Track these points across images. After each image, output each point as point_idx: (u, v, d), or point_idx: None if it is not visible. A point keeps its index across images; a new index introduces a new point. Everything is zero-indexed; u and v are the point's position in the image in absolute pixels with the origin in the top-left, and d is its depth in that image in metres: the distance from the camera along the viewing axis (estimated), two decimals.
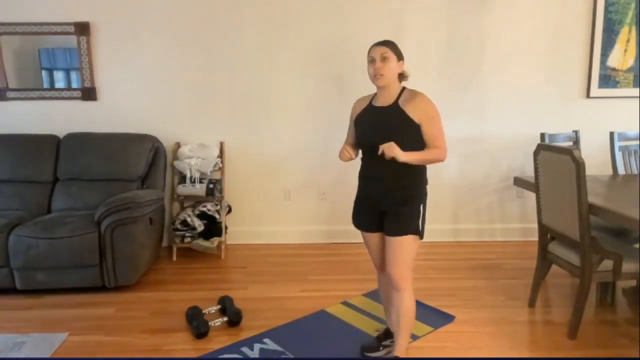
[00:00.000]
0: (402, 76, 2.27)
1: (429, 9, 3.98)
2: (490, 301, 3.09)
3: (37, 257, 3.10)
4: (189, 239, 3.80)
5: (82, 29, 3.88)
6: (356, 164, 2.36)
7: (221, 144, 4.08)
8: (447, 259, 3.85)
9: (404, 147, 2.11)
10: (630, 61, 4.09)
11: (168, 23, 3.94)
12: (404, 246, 2.21)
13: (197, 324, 2.68)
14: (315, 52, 4.02)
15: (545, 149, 2.77)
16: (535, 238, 3.04)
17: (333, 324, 2.82)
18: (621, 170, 3.49)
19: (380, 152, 2.10)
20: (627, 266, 2.53)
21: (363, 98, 2.39)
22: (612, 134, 3.53)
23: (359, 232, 2.42)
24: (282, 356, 2.49)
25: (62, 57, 4.02)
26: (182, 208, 4.00)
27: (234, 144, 4.12)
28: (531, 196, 3.49)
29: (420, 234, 2.25)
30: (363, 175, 2.36)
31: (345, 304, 3.05)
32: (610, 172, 3.53)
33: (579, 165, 2.46)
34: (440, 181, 4.09)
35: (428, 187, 2.32)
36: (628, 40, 4.06)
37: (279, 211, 4.24)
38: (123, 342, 2.66)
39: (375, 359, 2.46)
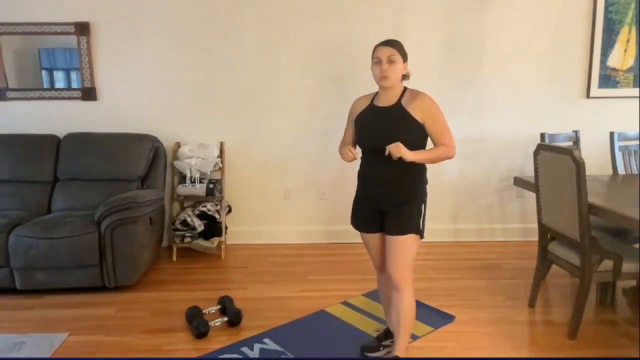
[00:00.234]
0: (404, 76, 2.26)
1: (429, 9, 3.98)
2: (490, 301, 3.09)
3: (37, 257, 3.10)
4: (189, 239, 3.80)
5: (82, 29, 3.88)
6: (356, 163, 2.36)
7: (221, 144, 4.08)
8: (447, 259, 3.85)
9: (409, 147, 2.11)
10: (630, 61, 4.09)
11: (168, 23, 3.94)
12: (404, 245, 2.21)
13: (197, 324, 2.68)
14: (315, 52, 4.02)
15: (545, 149, 2.77)
16: (535, 238, 3.04)
17: (333, 324, 2.82)
18: (621, 170, 3.49)
19: (387, 152, 2.09)
20: (627, 266, 2.53)
21: (363, 97, 2.37)
22: (612, 134, 3.53)
23: (359, 232, 2.41)
24: (282, 356, 2.49)
25: (62, 57, 4.02)
26: (182, 208, 4.00)
27: (234, 144, 4.12)
28: (531, 196, 3.49)
29: (420, 233, 2.25)
30: (363, 175, 2.35)
31: (345, 304, 3.05)
32: (610, 172, 3.53)
33: (579, 165, 2.46)
34: (441, 181, 4.09)
35: (428, 187, 2.32)
36: (628, 40, 4.06)
37: (279, 211, 4.24)
38: (123, 342, 2.66)
39: (375, 359, 2.46)
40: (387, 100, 2.25)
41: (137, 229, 3.26)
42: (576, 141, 3.74)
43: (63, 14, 3.86)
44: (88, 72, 3.94)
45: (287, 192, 4.22)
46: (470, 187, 4.26)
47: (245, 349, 2.55)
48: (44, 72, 4.03)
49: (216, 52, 3.99)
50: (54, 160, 3.76)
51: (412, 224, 2.22)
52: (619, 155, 3.51)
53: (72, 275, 3.18)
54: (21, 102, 3.98)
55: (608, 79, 4.10)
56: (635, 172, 3.52)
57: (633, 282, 3.12)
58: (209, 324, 2.71)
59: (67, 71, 4.03)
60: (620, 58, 4.08)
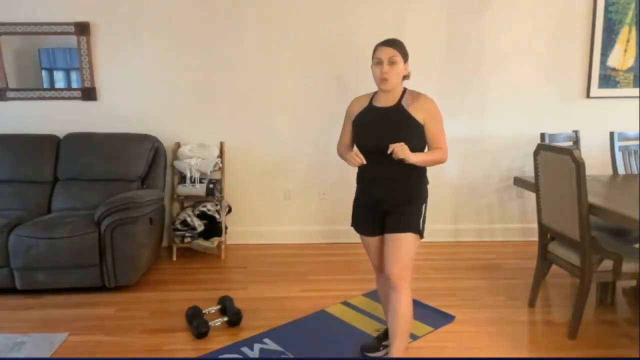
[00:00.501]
0: (405, 76, 2.24)
1: (429, 9, 3.98)
2: (490, 301, 3.09)
3: (37, 257, 3.10)
4: (189, 239, 3.80)
5: (82, 29, 3.88)
6: None
7: (221, 144, 4.08)
8: (447, 259, 3.85)
9: (410, 149, 2.09)
10: (630, 61, 4.09)
11: (168, 23, 3.94)
12: (403, 244, 2.19)
13: (197, 324, 2.68)
14: (315, 52, 4.02)
15: (545, 149, 2.77)
16: (535, 238, 3.04)
17: (333, 324, 2.82)
18: (621, 170, 3.49)
19: (390, 151, 2.06)
20: (627, 266, 2.53)
21: (361, 97, 2.34)
22: (612, 134, 3.53)
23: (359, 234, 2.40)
24: (282, 356, 2.49)
25: (62, 57, 4.02)
26: (182, 208, 4.00)
27: (234, 144, 4.12)
28: (531, 196, 3.49)
29: (420, 233, 2.24)
30: (363, 176, 2.32)
31: (345, 304, 3.05)
32: (610, 172, 3.53)
33: (579, 165, 2.46)
34: (441, 181, 4.09)
35: (428, 187, 2.31)
36: (628, 40, 4.06)
37: (279, 211, 4.24)
38: (123, 342, 2.66)
39: (375, 359, 2.46)
40: (386, 101, 2.22)
41: (137, 229, 3.26)
42: (576, 141, 3.74)
43: (63, 14, 3.86)
44: (88, 72, 3.94)
45: (287, 192, 4.22)
46: (470, 187, 4.26)
47: (245, 349, 2.55)
48: (44, 72, 4.03)
49: (216, 52, 4.00)
50: (54, 160, 3.76)
51: (412, 223, 2.21)
52: (619, 155, 3.51)
53: (72, 275, 3.18)
54: (21, 102, 3.98)
55: (608, 79, 4.10)
56: (635, 172, 3.52)
57: (633, 282, 3.13)
58: (209, 324, 2.71)
59: (67, 71, 4.03)
60: (620, 58, 4.08)
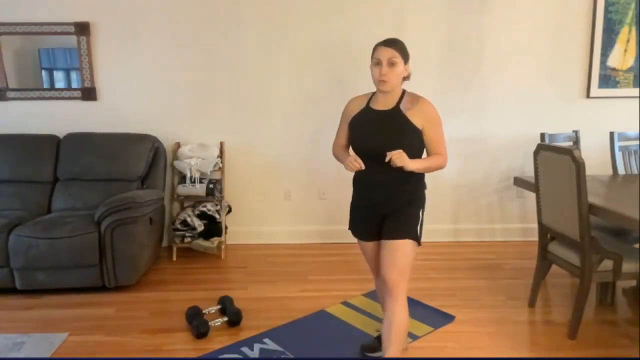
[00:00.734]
0: (405, 77, 2.17)
1: (429, 9, 3.98)
2: (490, 301, 3.09)
3: (37, 257, 3.10)
4: (189, 239, 3.80)
5: (82, 29, 3.88)
6: None
7: (221, 144, 4.08)
8: (447, 259, 3.85)
9: (407, 155, 2.02)
10: (630, 61, 4.09)
11: (168, 23, 3.94)
12: (401, 250, 2.12)
13: (197, 324, 2.68)
14: (315, 52, 4.02)
15: (545, 149, 2.77)
16: (535, 238, 3.04)
17: (333, 324, 2.82)
18: (621, 170, 3.49)
19: (388, 159, 1.99)
20: (627, 266, 2.53)
21: (358, 98, 2.27)
22: (612, 134, 3.53)
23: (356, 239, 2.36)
24: (282, 356, 2.49)
25: (62, 57, 4.02)
26: (182, 208, 4.00)
27: (234, 144, 4.12)
28: (531, 196, 3.49)
29: (417, 239, 2.17)
30: (359, 181, 2.26)
31: (345, 304, 3.05)
32: (610, 172, 3.53)
33: (579, 165, 2.46)
34: (440, 181, 4.08)
35: (427, 188, 2.28)
36: (628, 40, 4.06)
37: (279, 211, 4.24)
38: (123, 342, 2.66)
39: (375, 359, 2.46)
40: (384, 104, 2.15)
41: (137, 229, 3.26)
42: (576, 141, 3.74)
43: (63, 14, 3.86)
44: (88, 72, 3.94)
45: (287, 192, 4.22)
46: (470, 187, 4.26)
47: (245, 349, 2.55)
48: (44, 72, 4.03)
49: (216, 52, 3.99)
50: (54, 160, 3.76)
51: (409, 229, 2.14)
52: (619, 155, 3.51)
53: (72, 275, 3.18)
54: (21, 102, 3.98)
55: (608, 79, 4.10)
56: (635, 172, 3.52)
57: (633, 282, 3.13)
58: (209, 324, 2.71)
59: (67, 71, 4.03)
60: (620, 58, 4.08)
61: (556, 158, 2.64)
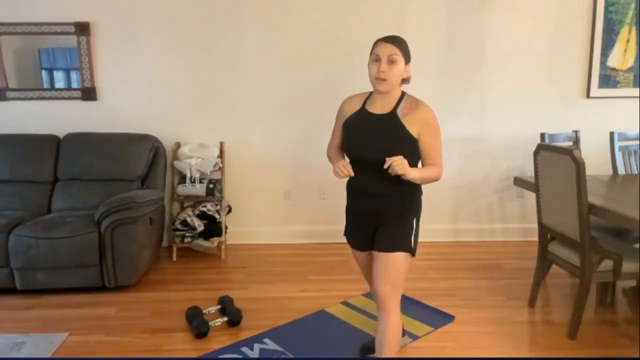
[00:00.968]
0: (404, 79, 2.03)
1: (429, 9, 3.98)
2: (490, 301, 3.09)
3: (37, 257, 3.10)
4: (189, 239, 3.80)
5: (82, 29, 3.88)
6: None
7: (221, 144, 4.08)
8: (447, 259, 3.85)
9: None
10: (630, 61, 4.09)
11: (168, 23, 3.94)
12: (394, 263, 2.01)
13: (197, 324, 2.68)
14: (315, 52, 4.02)
15: (545, 149, 2.77)
16: (535, 238, 3.04)
17: (333, 324, 2.82)
18: (621, 170, 3.49)
19: (387, 166, 1.86)
20: (627, 266, 2.53)
21: (354, 97, 2.13)
22: (612, 134, 3.53)
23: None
24: (282, 356, 2.49)
25: (62, 57, 4.02)
26: (182, 208, 4.00)
27: (234, 144, 4.12)
28: (531, 196, 3.49)
29: (412, 251, 2.06)
30: (352, 187, 2.15)
31: (345, 304, 3.05)
32: (610, 172, 3.53)
33: (579, 165, 2.46)
34: (440, 181, 4.01)
35: (426, 189, 2.17)
36: (628, 40, 4.06)
37: (279, 211, 4.24)
38: (123, 342, 2.66)
39: (375, 359, 2.45)
40: (381, 107, 2.01)
41: (137, 229, 3.26)
42: (576, 141, 3.74)
43: (63, 14, 3.86)
44: (88, 72, 3.94)
45: (287, 192, 4.22)
46: (470, 187, 4.26)
47: (245, 349, 2.55)
48: (44, 72, 4.03)
49: (216, 52, 3.99)
50: (54, 160, 3.76)
51: (403, 241, 2.03)
52: (619, 155, 3.51)
53: (72, 275, 3.18)
54: (21, 102, 3.98)
55: (608, 79, 4.10)
56: (635, 172, 3.52)
57: (633, 282, 3.13)
58: (209, 324, 2.71)
59: (67, 71, 4.03)
60: (620, 58, 4.08)
61: (556, 158, 2.64)
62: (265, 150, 4.15)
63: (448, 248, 4.09)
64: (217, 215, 3.83)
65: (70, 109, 4.01)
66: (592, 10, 4.01)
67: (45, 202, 3.66)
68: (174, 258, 3.85)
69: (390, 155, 1.88)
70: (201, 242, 3.76)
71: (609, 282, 2.90)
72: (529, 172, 3.53)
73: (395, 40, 1.97)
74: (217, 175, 3.98)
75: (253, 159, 4.16)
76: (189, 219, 3.79)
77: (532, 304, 3.01)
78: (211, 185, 3.88)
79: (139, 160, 3.76)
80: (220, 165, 4.00)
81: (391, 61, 1.94)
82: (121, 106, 4.03)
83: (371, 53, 1.99)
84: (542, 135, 3.55)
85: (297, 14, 3.96)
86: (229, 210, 4.05)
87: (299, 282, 3.40)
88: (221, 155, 4.03)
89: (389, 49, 1.94)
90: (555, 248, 2.85)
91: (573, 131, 3.78)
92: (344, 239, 2.21)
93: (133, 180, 3.73)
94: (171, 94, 4.04)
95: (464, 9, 3.99)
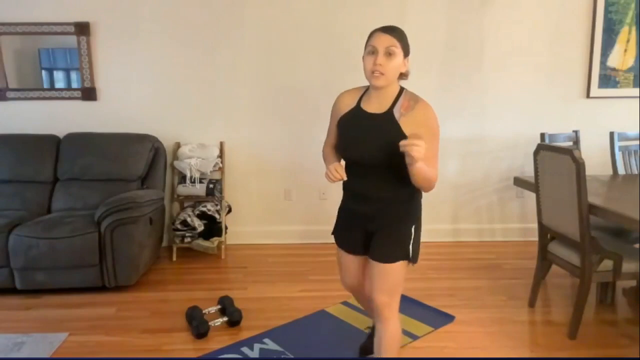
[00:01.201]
0: (402, 74, 1.87)
1: (429, 9, 3.98)
2: (490, 301, 3.09)
3: (37, 257, 3.10)
4: (189, 239, 3.80)
5: (82, 29, 3.88)
6: None
7: (221, 144, 4.08)
8: (447, 259, 3.85)
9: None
10: (630, 61, 4.09)
11: (168, 23, 3.94)
12: (391, 273, 1.90)
13: (197, 324, 2.68)
14: (315, 52, 4.02)
15: (545, 149, 2.77)
16: (535, 238, 3.04)
17: (333, 324, 2.82)
18: (621, 170, 3.49)
19: (407, 145, 1.65)
20: (627, 266, 2.53)
21: (349, 93, 1.97)
22: (612, 134, 3.53)
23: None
24: (282, 356, 2.49)
25: (62, 57, 4.02)
26: (182, 208, 4.00)
27: (234, 144, 4.12)
28: (531, 196, 3.49)
29: (410, 259, 1.94)
30: (347, 189, 2.03)
31: (345, 304, 3.05)
32: (610, 172, 3.53)
33: (579, 165, 2.46)
34: (440, 181, 4.03)
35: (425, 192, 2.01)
36: (628, 40, 4.06)
37: (279, 211, 4.24)
38: (123, 342, 2.66)
39: (375, 359, 2.45)
40: (377, 104, 1.86)
41: (137, 229, 3.26)
42: (576, 141, 3.74)
43: (63, 14, 3.86)
44: (88, 72, 3.94)
45: (287, 192, 4.22)
46: (470, 187, 4.26)
47: (245, 349, 2.55)
48: (44, 72, 4.03)
49: (216, 52, 3.99)
50: (54, 160, 3.76)
51: (400, 250, 1.90)
52: (619, 155, 3.51)
53: (72, 275, 3.18)
54: (21, 102, 3.98)
55: (608, 79, 4.10)
56: (635, 172, 3.52)
57: (633, 282, 3.12)
58: (209, 324, 2.71)
59: (67, 71, 4.03)
60: (620, 58, 4.08)
61: (556, 158, 2.64)
62: (265, 150, 4.15)
63: (448, 248, 4.09)
64: (217, 215, 3.83)
65: (70, 109, 4.01)
66: (592, 11, 4.01)
67: (45, 202, 3.66)
68: (174, 258, 3.84)
69: (384, 159, 1.79)
70: (201, 242, 3.76)
71: (609, 282, 2.90)
72: (529, 172, 3.53)
73: (393, 31, 1.80)
74: (217, 175, 3.98)
75: (253, 159, 4.16)
76: (189, 219, 3.79)
77: (532, 304, 3.01)
78: (211, 185, 3.88)
79: (139, 160, 3.76)
80: (220, 165, 4.00)
81: (389, 53, 1.77)
82: (121, 106, 4.03)
83: (367, 45, 1.83)
84: (542, 135, 3.55)
85: (297, 14, 3.96)
86: (229, 210, 4.05)
87: (299, 282, 3.40)
88: (221, 155, 4.03)
89: (387, 40, 1.77)
90: (555, 248, 2.85)
91: (573, 131, 3.78)
92: None
93: (133, 180, 3.73)
94: (171, 94, 4.04)
95: (464, 8, 3.99)
